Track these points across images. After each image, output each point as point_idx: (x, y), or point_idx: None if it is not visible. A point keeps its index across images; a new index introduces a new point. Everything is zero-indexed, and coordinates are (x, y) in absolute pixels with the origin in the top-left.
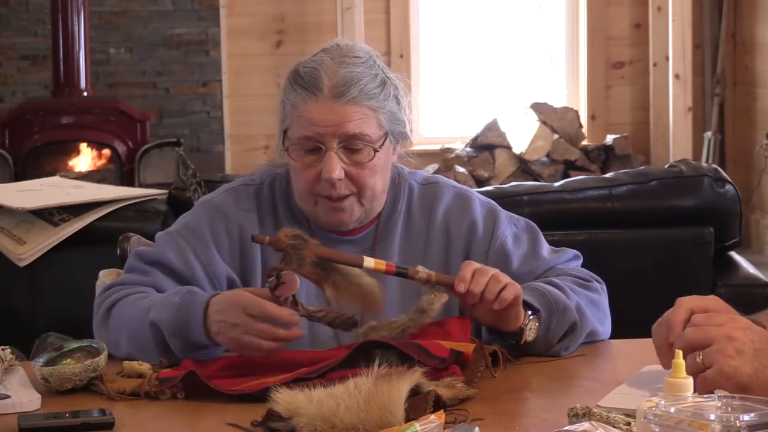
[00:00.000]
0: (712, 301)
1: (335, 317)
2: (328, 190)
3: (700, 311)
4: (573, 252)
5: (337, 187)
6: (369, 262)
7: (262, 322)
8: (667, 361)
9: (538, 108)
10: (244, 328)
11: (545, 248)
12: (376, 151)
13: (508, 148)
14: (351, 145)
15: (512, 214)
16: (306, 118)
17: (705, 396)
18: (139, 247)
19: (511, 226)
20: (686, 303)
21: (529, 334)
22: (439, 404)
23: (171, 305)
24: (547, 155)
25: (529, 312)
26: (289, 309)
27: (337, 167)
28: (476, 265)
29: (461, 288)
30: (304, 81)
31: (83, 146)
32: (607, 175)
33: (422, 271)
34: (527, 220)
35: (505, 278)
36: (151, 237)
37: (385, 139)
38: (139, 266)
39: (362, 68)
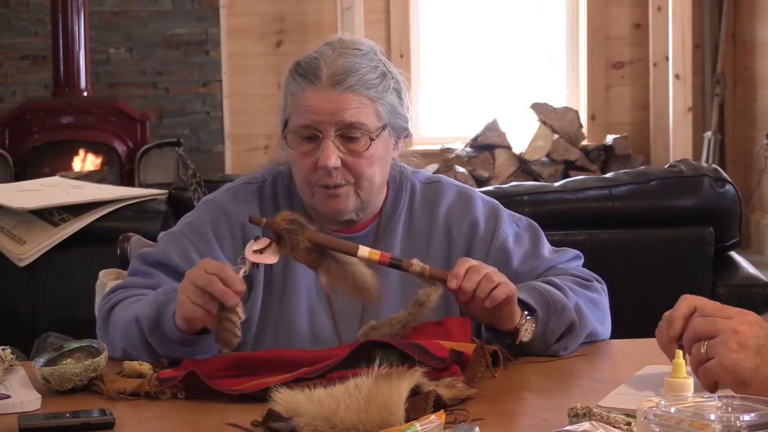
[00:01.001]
0: (713, 304)
1: (225, 327)
2: (325, 179)
3: (701, 309)
4: (574, 252)
5: (333, 175)
6: (363, 251)
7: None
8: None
9: (538, 108)
10: (192, 278)
11: (546, 248)
12: (372, 140)
13: (508, 148)
14: (348, 133)
15: (514, 213)
16: (304, 107)
17: (705, 396)
18: (139, 247)
19: (512, 225)
20: (689, 300)
21: (525, 335)
22: (439, 404)
23: (154, 302)
24: (547, 155)
25: (526, 312)
26: (242, 281)
27: (333, 155)
28: (472, 262)
29: (453, 284)
30: (304, 70)
31: (83, 146)
32: (607, 175)
33: (416, 264)
34: (529, 219)
35: (499, 277)
36: (151, 237)
37: (382, 130)
38: (141, 268)
39: (362, 59)
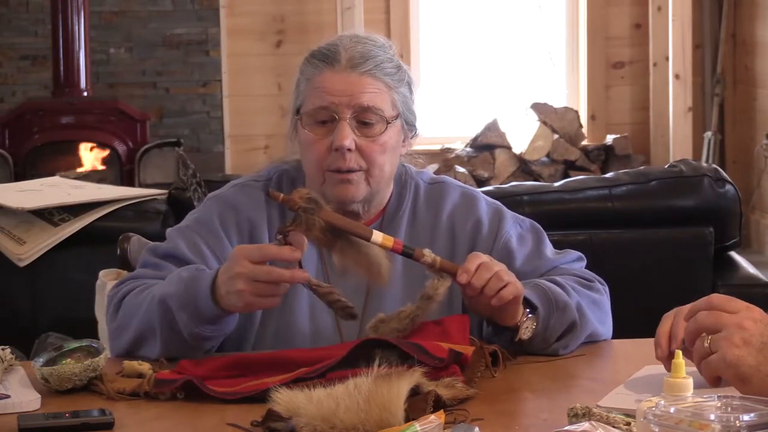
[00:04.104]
0: (714, 298)
1: (336, 300)
2: (338, 162)
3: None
4: (577, 254)
5: (347, 158)
6: (377, 236)
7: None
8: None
9: (538, 108)
10: (247, 275)
11: (549, 249)
12: (388, 123)
13: (508, 148)
14: (364, 117)
15: (517, 215)
16: (321, 88)
17: (705, 396)
18: (140, 247)
19: (516, 226)
20: (688, 310)
21: (525, 333)
22: (439, 404)
23: (179, 280)
24: (547, 155)
25: (528, 310)
26: (290, 248)
27: (348, 136)
28: (483, 258)
29: (463, 279)
30: (322, 54)
31: (83, 146)
32: (607, 175)
33: (428, 254)
34: (532, 221)
35: (508, 276)
36: (151, 237)
37: (396, 119)
38: (152, 261)
39: (379, 50)
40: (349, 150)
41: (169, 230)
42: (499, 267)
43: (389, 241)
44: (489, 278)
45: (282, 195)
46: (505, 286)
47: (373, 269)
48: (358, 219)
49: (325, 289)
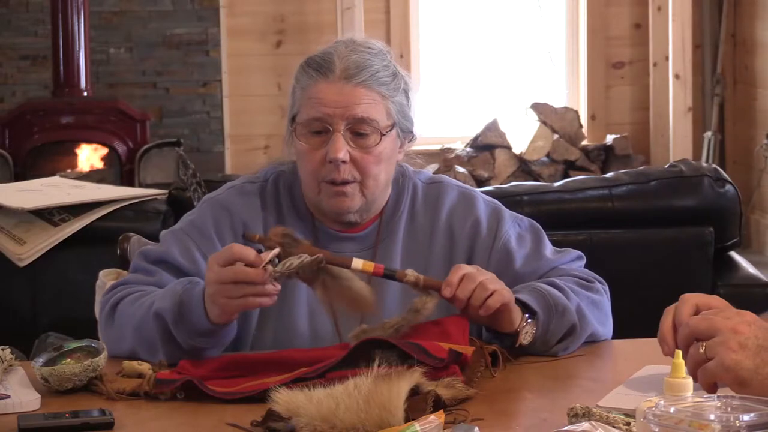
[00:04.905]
0: (715, 300)
1: (301, 264)
2: (332, 174)
3: (704, 307)
4: (576, 253)
5: (341, 170)
6: (357, 263)
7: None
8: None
9: (538, 108)
10: (214, 279)
11: (549, 248)
12: (383, 135)
13: (508, 148)
14: (358, 128)
15: (516, 214)
16: (316, 99)
17: (705, 396)
18: (139, 247)
19: (514, 226)
20: (691, 299)
21: (525, 338)
22: (438, 404)
23: (173, 294)
24: (547, 155)
25: (527, 315)
26: (255, 250)
27: (342, 148)
28: (466, 269)
29: (447, 293)
30: (317, 63)
31: (83, 146)
32: (607, 175)
33: (411, 274)
34: (531, 220)
35: (494, 284)
36: (151, 237)
37: (391, 129)
38: (143, 266)
39: (375, 58)
40: (344, 162)
41: (162, 233)
42: (484, 276)
43: (369, 266)
44: (474, 288)
45: (258, 236)
46: (491, 295)
47: (356, 301)
48: (355, 226)
49: (290, 266)
